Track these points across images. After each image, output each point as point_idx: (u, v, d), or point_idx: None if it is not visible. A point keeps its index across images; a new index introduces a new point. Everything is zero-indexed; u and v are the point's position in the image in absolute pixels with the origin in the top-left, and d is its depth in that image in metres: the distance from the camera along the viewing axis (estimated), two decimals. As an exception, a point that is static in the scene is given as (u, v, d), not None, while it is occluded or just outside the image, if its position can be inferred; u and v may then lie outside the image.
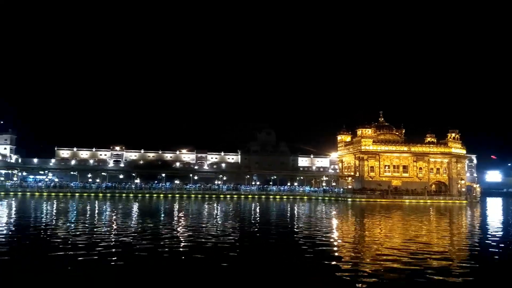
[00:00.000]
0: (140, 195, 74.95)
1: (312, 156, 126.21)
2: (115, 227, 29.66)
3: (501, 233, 32.00)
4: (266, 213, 47.84)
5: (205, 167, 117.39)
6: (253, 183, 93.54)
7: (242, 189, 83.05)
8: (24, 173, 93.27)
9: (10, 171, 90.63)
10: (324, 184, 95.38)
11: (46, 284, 14.17)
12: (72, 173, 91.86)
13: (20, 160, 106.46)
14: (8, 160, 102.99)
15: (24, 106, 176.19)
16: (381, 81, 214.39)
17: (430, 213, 52.44)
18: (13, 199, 60.62)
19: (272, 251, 21.53)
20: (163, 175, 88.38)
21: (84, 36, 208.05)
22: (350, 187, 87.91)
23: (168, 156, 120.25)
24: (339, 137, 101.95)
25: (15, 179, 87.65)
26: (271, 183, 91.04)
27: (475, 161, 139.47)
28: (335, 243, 24.86)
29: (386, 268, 16.91)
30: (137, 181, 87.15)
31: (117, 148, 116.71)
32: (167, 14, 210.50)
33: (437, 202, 78.53)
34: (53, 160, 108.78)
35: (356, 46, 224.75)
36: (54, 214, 39.70)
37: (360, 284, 14.64)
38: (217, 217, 40.09)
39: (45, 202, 54.67)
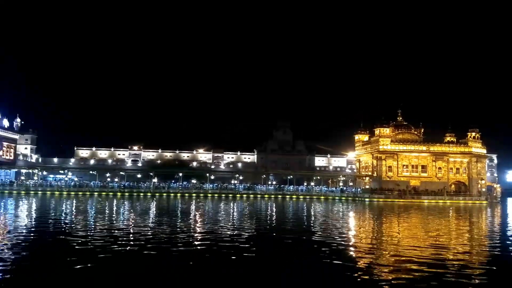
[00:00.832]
0: (157, 194, 75.65)
1: (329, 155, 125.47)
2: (133, 225, 30.03)
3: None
4: (283, 212, 47.76)
5: (222, 166, 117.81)
6: (270, 182, 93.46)
7: (258, 189, 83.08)
8: (45, 173, 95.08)
9: (31, 171, 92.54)
10: (341, 184, 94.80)
11: (65, 280, 14.39)
12: (91, 172, 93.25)
13: (40, 160, 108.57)
14: (29, 160, 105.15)
15: (44, 107, 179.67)
16: (400, 80, 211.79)
17: (450, 214, 51.62)
18: (34, 198, 61.85)
19: (288, 250, 21.50)
20: (180, 174, 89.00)
21: (106, 38, 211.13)
22: (367, 187, 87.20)
23: (185, 155, 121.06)
24: (356, 137, 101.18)
25: (35, 178, 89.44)
26: (287, 183, 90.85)
27: (495, 160, 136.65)
28: (352, 244, 24.68)
29: (404, 270, 16.72)
30: (155, 180, 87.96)
31: (135, 148, 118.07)
32: (182, 13, 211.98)
33: (456, 202, 77.24)
34: (72, 160, 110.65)
35: (375, 44, 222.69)
36: (74, 212, 40.40)
37: (377, 286, 14.50)
38: (234, 216, 40.20)
39: (65, 201, 55.65)
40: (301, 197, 78.87)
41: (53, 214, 38.32)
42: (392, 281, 14.94)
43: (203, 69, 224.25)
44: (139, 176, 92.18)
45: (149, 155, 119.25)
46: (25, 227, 28.02)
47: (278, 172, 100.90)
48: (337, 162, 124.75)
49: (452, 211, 55.65)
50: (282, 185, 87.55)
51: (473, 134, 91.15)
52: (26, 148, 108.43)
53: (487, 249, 23.56)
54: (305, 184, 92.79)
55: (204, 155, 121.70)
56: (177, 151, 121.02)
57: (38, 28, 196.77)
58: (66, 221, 32.37)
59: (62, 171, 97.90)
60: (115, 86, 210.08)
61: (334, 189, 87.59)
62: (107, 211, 42.27)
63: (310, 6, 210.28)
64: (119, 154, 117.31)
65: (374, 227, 34.86)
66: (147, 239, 22.80)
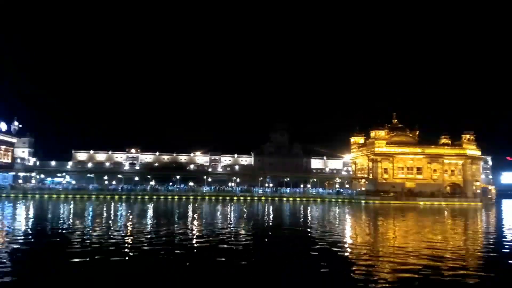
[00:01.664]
0: (155, 197, 76.04)
1: (325, 158, 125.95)
2: (130, 228, 30.47)
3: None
4: (280, 215, 48.27)
5: (219, 169, 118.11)
6: (267, 185, 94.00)
7: (255, 191, 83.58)
8: (42, 176, 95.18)
9: (28, 174, 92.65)
10: (337, 186, 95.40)
11: (63, 281, 14.85)
12: (88, 175, 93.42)
13: (38, 163, 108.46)
14: (27, 163, 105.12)
15: (41, 110, 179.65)
16: (394, 83, 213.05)
17: (445, 215, 52.27)
18: (32, 201, 62.13)
19: (285, 252, 21.97)
20: (178, 177, 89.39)
21: (104, 41, 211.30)
22: (363, 189, 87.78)
23: (183, 158, 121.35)
24: (352, 139, 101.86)
25: (33, 181, 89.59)
26: (284, 185, 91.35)
27: (490, 162, 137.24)
28: (348, 246, 25.18)
29: (399, 272, 17.11)
30: (152, 183, 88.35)
31: (133, 150, 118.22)
32: (180, 17, 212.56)
33: (451, 204, 77.95)
34: (70, 163, 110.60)
35: (371, 47, 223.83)
36: (71, 215, 40.81)
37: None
38: (231, 218, 40.66)
39: (62, 204, 55.99)
40: (298, 199, 79.40)
41: (50, 217, 38.70)
42: (388, 283, 15.40)
43: (200, 72, 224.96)
44: (136, 179, 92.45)
45: (147, 158, 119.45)
46: (22, 230, 28.41)
47: (275, 174, 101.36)
48: (334, 164, 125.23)
49: (448, 213, 56.30)
50: (279, 187, 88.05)
51: (468, 136, 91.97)
52: (23, 152, 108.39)
53: (482, 251, 23.98)
54: (301, 186, 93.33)
55: (201, 158, 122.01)
56: (175, 154, 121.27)
57: (37, 31, 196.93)
58: (64, 224, 32.75)
59: (59, 174, 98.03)
60: (112, 89, 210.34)
61: (330, 191, 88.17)
62: (104, 214, 42.65)
63: (307, 9, 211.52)
64: (116, 157, 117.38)
65: (370, 229, 35.41)
66: (145, 242, 23.26)
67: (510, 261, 21.50)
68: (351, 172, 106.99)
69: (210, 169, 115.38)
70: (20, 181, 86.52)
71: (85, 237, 24.78)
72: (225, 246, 22.33)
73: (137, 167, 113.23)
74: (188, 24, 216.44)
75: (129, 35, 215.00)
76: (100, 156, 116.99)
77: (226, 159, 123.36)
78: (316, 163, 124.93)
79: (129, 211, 46.43)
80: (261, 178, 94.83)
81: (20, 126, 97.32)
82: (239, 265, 17.83)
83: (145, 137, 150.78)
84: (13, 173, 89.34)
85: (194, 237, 26.42)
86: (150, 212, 46.29)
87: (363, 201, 75.86)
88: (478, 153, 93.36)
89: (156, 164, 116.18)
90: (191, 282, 15.18)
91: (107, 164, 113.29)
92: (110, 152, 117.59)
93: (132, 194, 76.86)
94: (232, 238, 25.45)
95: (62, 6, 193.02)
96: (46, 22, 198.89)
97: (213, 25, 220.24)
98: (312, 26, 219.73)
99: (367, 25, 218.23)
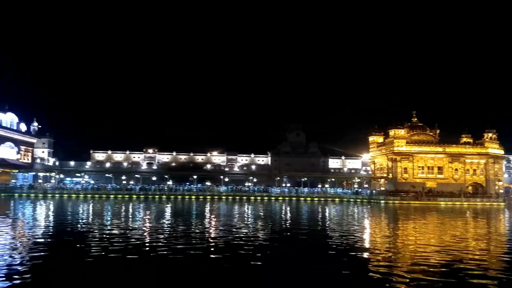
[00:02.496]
0: (172, 196, 76.21)
1: (343, 157, 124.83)
2: (148, 227, 30.34)
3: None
4: (297, 214, 47.70)
5: (236, 169, 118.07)
6: (284, 184, 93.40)
7: (272, 191, 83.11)
8: (61, 176, 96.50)
9: (48, 174, 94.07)
10: (356, 185, 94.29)
11: (81, 280, 14.62)
12: (107, 175, 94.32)
13: (57, 163, 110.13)
14: (46, 163, 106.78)
15: (60, 111, 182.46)
16: (414, 80, 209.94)
17: (467, 216, 50.94)
18: (51, 200, 62.85)
19: (303, 252, 21.47)
20: (195, 177, 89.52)
21: (121, 42, 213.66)
22: (382, 189, 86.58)
23: (199, 158, 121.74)
24: (370, 138, 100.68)
25: (52, 181, 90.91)
26: (301, 185, 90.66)
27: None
28: (367, 246, 24.57)
29: (420, 274, 16.52)
30: (170, 183, 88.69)
31: (150, 150, 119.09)
32: (191, 19, 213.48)
33: (473, 204, 76.18)
34: (88, 163, 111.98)
35: (389, 44, 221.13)
36: (90, 214, 41.01)
37: None
38: (248, 218, 40.29)
39: (82, 203, 56.45)
40: (316, 199, 78.61)
41: (70, 216, 38.90)
42: (408, 285, 14.80)
43: (216, 73, 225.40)
44: (154, 178, 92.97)
45: (164, 158, 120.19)
46: (43, 229, 28.53)
47: (292, 174, 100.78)
48: (352, 164, 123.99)
49: (470, 213, 54.90)
50: (296, 187, 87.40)
51: (490, 135, 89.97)
52: (43, 152, 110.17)
53: (507, 253, 23.10)
54: (319, 186, 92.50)
55: (218, 158, 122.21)
56: (191, 154, 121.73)
57: (53, 33, 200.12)
58: (83, 223, 32.85)
59: (78, 174, 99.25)
60: (130, 90, 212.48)
61: (349, 191, 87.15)
62: (123, 213, 42.75)
63: (321, 6, 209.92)
64: (134, 157, 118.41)
65: (389, 229, 34.58)
66: (163, 241, 23.02)
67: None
68: (369, 172, 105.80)
69: (226, 169, 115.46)
70: (40, 180, 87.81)
71: (103, 236, 24.76)
72: (243, 245, 21.89)
73: (155, 167, 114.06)
74: (202, 25, 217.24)
75: (146, 37, 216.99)
76: (118, 156, 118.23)
77: (242, 159, 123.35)
78: (333, 163, 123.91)
79: (147, 211, 46.45)
80: (278, 178, 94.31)
81: (40, 126, 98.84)
82: (256, 265, 17.40)
83: (162, 137, 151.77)
84: (33, 173, 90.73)
85: (211, 236, 26.07)
86: (167, 212, 46.23)
87: (382, 201, 74.66)
88: (500, 152, 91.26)
89: (173, 164, 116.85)
90: (207, 281, 14.77)
91: (125, 164, 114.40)
92: (128, 152, 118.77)
93: (149, 194, 77.20)
94: (250, 238, 25.00)
95: (77, 7, 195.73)
96: (64, 23, 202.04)
97: (228, 25, 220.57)
98: (329, 22, 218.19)
99: (384, 21, 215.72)
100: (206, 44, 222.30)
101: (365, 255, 20.98)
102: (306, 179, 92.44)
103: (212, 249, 21.18)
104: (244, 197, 77.69)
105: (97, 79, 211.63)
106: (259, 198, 77.90)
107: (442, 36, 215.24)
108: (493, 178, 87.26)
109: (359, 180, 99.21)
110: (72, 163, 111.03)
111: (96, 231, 27.48)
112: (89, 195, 73.93)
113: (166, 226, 31.07)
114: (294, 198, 78.29)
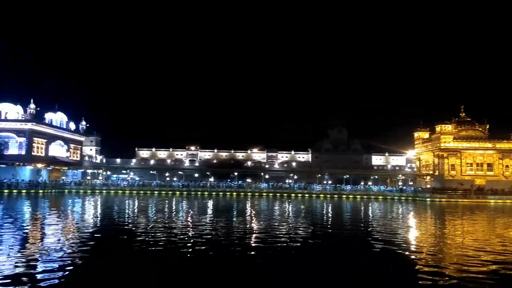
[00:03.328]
0: (214, 193, 77.18)
1: (387, 154, 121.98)
2: (191, 222, 30.86)
3: None
4: (340, 212, 47.03)
5: (276, 166, 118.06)
6: (325, 182, 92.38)
7: (314, 188, 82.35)
8: (108, 172, 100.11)
9: (95, 171, 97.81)
10: (400, 183, 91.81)
11: (126, 274, 14.99)
12: (151, 172, 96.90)
13: (104, 160, 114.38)
14: (94, 161, 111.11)
15: (107, 110, 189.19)
16: (462, 73, 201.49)
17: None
18: (99, 196, 65.34)
19: (345, 250, 21.10)
20: (235, 173, 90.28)
21: (165, 44, 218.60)
22: (428, 186, 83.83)
23: (240, 155, 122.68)
24: (416, 134, 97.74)
25: (100, 178, 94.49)
26: (343, 182, 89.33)
27: None
28: (414, 246, 23.84)
29: (468, 277, 15.80)
30: (211, 179, 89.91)
31: (192, 148, 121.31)
32: (230, 19, 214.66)
33: (527, 202, 72.17)
34: (134, 160, 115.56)
35: (435, 36, 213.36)
36: (138, 209, 42.30)
37: None
38: (289, 215, 40.12)
39: (127, 199, 58.33)
40: (358, 196, 77.17)
41: (117, 211, 40.30)
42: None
43: (257, 70, 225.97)
44: (196, 175, 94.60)
45: (206, 155, 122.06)
46: (93, 223, 29.74)
47: (333, 171, 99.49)
48: (396, 160, 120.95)
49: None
50: (338, 185, 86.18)
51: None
52: (91, 150, 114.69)
53: None
54: (362, 183, 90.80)
55: (258, 155, 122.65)
56: (232, 151, 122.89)
57: (99, 37, 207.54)
58: (130, 218, 33.95)
59: (124, 171, 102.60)
60: (173, 90, 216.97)
61: (393, 188, 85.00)
62: (166, 209, 43.78)
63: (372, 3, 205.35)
64: (177, 154, 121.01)
65: (438, 229, 33.37)
66: (206, 236, 23.29)
67: None
68: (414, 169, 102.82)
69: (267, 166, 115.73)
70: (88, 177, 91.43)
71: (148, 230, 25.56)
72: (284, 243, 21.79)
73: (197, 164, 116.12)
74: (241, 24, 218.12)
75: (188, 37, 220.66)
76: (162, 154, 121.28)
77: (282, 156, 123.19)
78: (376, 160, 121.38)
79: (190, 207, 47.31)
80: (319, 175, 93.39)
81: (88, 125, 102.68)
82: (297, 262, 17.23)
83: (204, 134, 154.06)
84: (82, 170, 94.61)
85: (253, 233, 26.12)
86: (210, 208, 46.87)
87: (428, 199, 72.21)
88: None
89: (215, 161, 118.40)
90: (250, 277, 14.77)
91: (168, 161, 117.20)
92: (171, 149, 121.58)
93: (192, 190, 78.56)
94: (291, 235, 24.85)
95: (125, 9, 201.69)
96: (109, 28, 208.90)
97: (267, 23, 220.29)
98: (373, 15, 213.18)
99: (429, 15, 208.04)
100: (246, 43, 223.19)
101: (411, 255, 20.30)
102: (348, 176, 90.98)
103: (254, 245, 21.23)
104: (285, 194, 77.48)
105: (142, 80, 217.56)
106: (299, 195, 77.44)
107: (490, 27, 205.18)
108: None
109: (403, 177, 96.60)
110: (118, 160, 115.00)
111: (141, 226, 28.31)
112: (135, 192, 76.19)
113: (208, 221, 31.49)
114: (336, 196, 77.23)
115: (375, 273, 15.89)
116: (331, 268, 16.53)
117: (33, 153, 79.60)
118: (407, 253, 20.53)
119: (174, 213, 40.04)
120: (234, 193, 77.51)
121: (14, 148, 78.96)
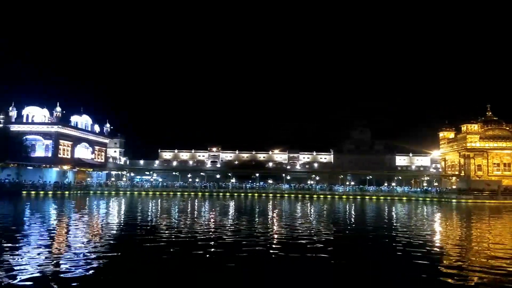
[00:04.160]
0: (235, 194, 77.42)
1: (411, 154, 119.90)
2: (213, 223, 31.03)
3: None
4: (363, 213, 46.48)
5: (297, 167, 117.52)
6: (347, 183, 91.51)
7: (336, 189, 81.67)
8: (132, 174, 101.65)
9: (119, 172, 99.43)
10: (424, 184, 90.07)
11: (149, 274, 15.14)
12: (174, 173, 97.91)
13: (128, 162, 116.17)
14: (118, 162, 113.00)
15: (131, 113, 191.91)
16: (487, 72, 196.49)
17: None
18: (123, 197, 66.39)
19: (368, 253, 20.80)
20: (257, 174, 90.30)
21: (186, 46, 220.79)
22: (454, 187, 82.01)
23: (261, 156, 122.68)
24: (441, 134, 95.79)
25: (124, 179, 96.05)
26: (366, 183, 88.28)
27: None
28: (439, 249, 23.32)
29: (495, 275, 15.36)
30: (233, 180, 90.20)
31: (214, 149, 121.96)
32: (251, 20, 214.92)
33: (558, 204, 69.74)
34: (156, 162, 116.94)
35: (460, 34, 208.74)
36: (162, 210, 42.80)
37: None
38: (312, 216, 39.88)
39: (151, 200, 59.07)
40: (382, 197, 76.12)
41: (140, 211, 40.88)
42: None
43: (280, 71, 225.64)
44: (218, 176, 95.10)
45: (227, 156, 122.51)
46: (117, 223, 30.25)
47: (356, 172, 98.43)
48: (420, 161, 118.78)
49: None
50: (361, 186, 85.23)
51: None
52: (115, 151, 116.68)
53: None
54: (385, 184, 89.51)
55: (279, 156, 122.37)
56: (253, 152, 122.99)
57: (122, 39, 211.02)
58: (153, 218, 34.43)
59: (147, 172, 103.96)
60: (195, 92, 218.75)
61: (417, 189, 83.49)
62: (189, 210, 44.16)
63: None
64: (199, 156, 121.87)
65: (465, 231, 32.59)
66: (228, 237, 23.35)
67: None
68: (439, 169, 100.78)
69: (288, 167, 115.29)
70: (113, 179, 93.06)
71: (171, 230, 25.87)
72: (305, 244, 21.63)
73: (218, 165, 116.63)
74: (258, 25, 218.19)
75: (213, 42, 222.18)
76: (184, 155, 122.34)
77: (304, 157, 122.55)
78: (400, 160, 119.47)
79: (212, 208, 47.59)
80: (341, 176, 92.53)
81: (112, 128, 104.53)
82: (320, 265, 17.08)
83: (225, 136, 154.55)
84: (106, 172, 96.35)
85: (275, 234, 26.05)
86: (232, 209, 47.05)
87: (454, 200, 70.61)
88: None
89: (236, 162, 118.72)
90: (270, 278, 14.72)
91: (191, 162, 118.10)
92: (193, 151, 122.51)
93: (214, 192, 79.00)
94: (314, 238, 24.65)
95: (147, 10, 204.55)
96: (130, 30, 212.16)
97: (286, 23, 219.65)
98: (395, 13, 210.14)
99: (452, 11, 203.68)
100: (267, 44, 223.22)
101: (437, 257, 19.85)
102: (371, 177, 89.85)
103: (277, 245, 21.16)
104: (307, 195, 77.07)
105: (164, 82, 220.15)
106: (322, 196, 76.89)
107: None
108: None
109: (428, 178, 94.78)
110: (141, 162, 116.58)
111: (164, 226, 28.63)
112: (158, 193, 77.11)
113: (230, 222, 31.59)
114: (359, 197, 76.36)
115: (395, 276, 15.62)
116: (355, 271, 16.33)
117: (59, 155, 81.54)
118: (432, 257, 20.08)
119: (196, 213, 40.35)
120: (256, 194, 77.58)
121: (41, 150, 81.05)
